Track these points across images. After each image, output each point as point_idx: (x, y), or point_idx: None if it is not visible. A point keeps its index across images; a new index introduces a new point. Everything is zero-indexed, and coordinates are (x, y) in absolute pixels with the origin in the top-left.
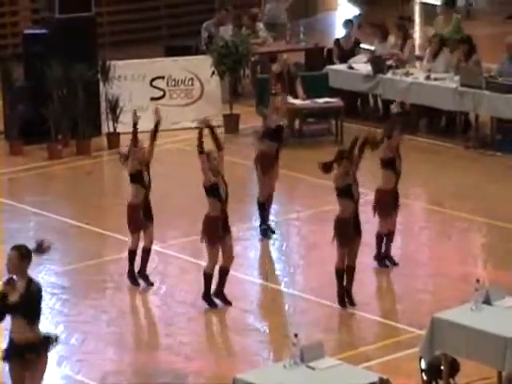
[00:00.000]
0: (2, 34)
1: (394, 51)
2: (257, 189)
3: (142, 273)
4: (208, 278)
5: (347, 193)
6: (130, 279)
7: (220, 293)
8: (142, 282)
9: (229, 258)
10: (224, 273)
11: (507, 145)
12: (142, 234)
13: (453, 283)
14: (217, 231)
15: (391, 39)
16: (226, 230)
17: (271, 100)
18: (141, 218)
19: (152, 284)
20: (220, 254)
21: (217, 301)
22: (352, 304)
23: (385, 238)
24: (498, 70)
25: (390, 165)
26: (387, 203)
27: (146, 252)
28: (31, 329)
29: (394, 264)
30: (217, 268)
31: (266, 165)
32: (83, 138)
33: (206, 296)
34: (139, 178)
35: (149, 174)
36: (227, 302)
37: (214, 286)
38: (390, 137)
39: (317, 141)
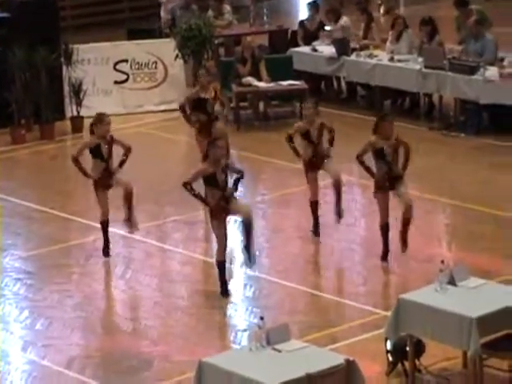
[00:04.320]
0: None
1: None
2: None
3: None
4: (221, 266)
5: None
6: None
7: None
8: None
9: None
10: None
11: (470, 126)
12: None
13: (417, 264)
14: (222, 211)
15: (343, 21)
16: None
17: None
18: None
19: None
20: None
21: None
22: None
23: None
24: (462, 49)
25: (306, 136)
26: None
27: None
28: None
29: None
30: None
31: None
32: (46, 123)
33: (223, 286)
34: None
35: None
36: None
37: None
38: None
39: (281, 123)
